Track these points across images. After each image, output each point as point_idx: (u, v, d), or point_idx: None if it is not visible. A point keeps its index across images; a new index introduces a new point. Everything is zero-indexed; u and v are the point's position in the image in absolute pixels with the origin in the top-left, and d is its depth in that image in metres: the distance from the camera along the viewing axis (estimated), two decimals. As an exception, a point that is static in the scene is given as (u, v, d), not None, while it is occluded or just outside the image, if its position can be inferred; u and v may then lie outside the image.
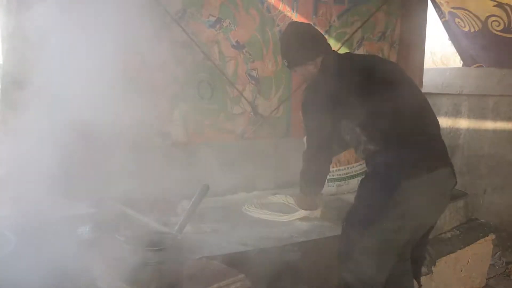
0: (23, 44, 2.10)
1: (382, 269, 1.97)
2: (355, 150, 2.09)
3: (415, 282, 2.26)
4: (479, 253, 2.98)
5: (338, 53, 2.29)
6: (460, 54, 4.31)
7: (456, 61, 4.77)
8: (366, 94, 1.98)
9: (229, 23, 2.84)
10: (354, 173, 3.01)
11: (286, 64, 2.25)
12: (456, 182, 2.07)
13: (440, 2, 3.84)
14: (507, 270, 3.58)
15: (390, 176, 1.90)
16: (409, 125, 1.97)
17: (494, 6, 3.54)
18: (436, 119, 2.11)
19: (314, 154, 2.14)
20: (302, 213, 2.43)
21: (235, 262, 1.79)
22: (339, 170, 3.00)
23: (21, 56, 2.21)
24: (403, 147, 1.93)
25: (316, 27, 2.36)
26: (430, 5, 3.77)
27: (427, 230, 2.14)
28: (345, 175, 3.01)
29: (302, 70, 2.20)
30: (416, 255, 2.18)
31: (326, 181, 2.86)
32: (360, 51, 3.42)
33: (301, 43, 2.17)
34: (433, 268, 2.65)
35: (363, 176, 2.09)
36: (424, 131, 2.00)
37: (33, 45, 2.02)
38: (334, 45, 3.29)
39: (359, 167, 3.02)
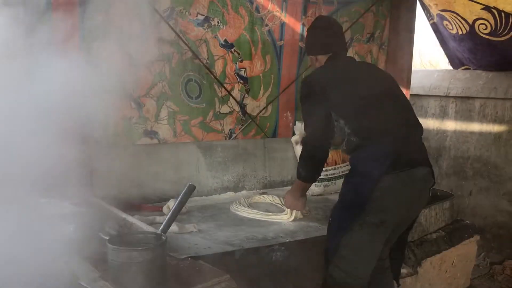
0: None
1: (367, 264, 2.00)
2: (340, 142, 2.11)
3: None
4: (464, 253, 3.00)
5: (342, 56, 2.34)
6: (447, 57, 4.35)
7: (444, 64, 4.82)
8: (354, 89, 2.08)
9: (218, 22, 2.83)
10: (341, 173, 3.02)
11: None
12: (435, 182, 2.13)
13: (429, 5, 3.88)
14: (491, 271, 3.63)
15: (371, 170, 1.94)
16: (392, 124, 2.04)
17: (481, 9, 3.58)
18: (421, 127, 2.17)
19: (312, 143, 2.17)
20: (288, 213, 2.43)
21: (221, 262, 1.79)
22: (326, 170, 3.01)
23: None
24: (385, 142, 1.98)
25: (337, 25, 2.41)
26: (418, 7, 3.80)
27: (405, 229, 2.17)
28: (332, 176, 3.02)
29: (310, 60, 2.41)
30: (395, 255, 2.23)
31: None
32: (349, 52, 3.44)
33: (313, 36, 2.34)
34: (418, 269, 2.66)
35: (347, 172, 2.13)
36: (406, 133, 2.06)
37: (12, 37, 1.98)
38: (323, 45, 3.30)
39: (346, 167, 3.03)
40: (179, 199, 1.73)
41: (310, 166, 2.22)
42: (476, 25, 3.70)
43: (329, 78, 2.15)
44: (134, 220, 1.98)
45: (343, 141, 2.08)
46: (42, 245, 1.81)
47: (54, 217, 2.19)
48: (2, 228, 1.81)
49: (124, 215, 2.04)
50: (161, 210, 2.42)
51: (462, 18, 3.74)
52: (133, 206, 2.38)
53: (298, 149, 3.14)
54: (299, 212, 2.45)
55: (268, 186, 3.06)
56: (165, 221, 1.67)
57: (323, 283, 2.07)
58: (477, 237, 3.08)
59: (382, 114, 2.04)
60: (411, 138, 2.07)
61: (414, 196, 2.04)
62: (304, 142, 2.24)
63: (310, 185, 2.37)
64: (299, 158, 2.28)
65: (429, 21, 4.12)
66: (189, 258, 1.77)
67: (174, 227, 1.97)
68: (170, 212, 1.71)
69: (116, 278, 1.48)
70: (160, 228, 1.66)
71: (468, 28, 3.76)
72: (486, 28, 3.68)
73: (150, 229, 1.86)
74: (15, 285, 1.54)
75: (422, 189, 2.07)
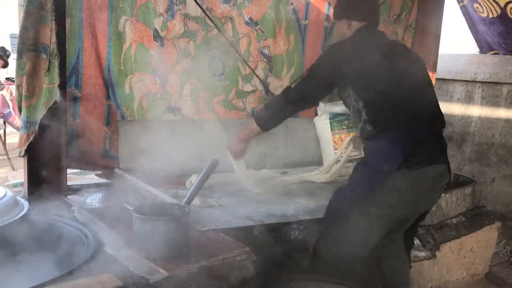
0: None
1: (355, 249, 1.97)
2: (356, 126, 2.09)
3: None
4: (484, 240, 2.98)
5: (376, 29, 2.22)
6: (476, 41, 4.25)
7: (471, 48, 4.70)
8: (382, 73, 1.96)
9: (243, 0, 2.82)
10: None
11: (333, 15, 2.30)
12: (451, 179, 2.09)
13: (459, -14, 3.78)
14: (511, 259, 3.59)
15: (383, 166, 1.90)
16: (413, 118, 1.95)
17: (514, -9, 3.48)
18: (443, 121, 2.10)
19: (295, 100, 2.16)
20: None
21: (241, 236, 1.82)
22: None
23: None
24: (401, 137, 1.92)
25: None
26: (448, -11, 3.70)
27: (414, 220, 2.15)
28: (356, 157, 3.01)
29: (338, 26, 2.24)
30: (405, 240, 2.22)
31: (341, 161, 2.83)
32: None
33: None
34: (436, 252, 2.66)
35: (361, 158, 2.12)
36: (426, 128, 1.98)
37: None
38: (349, 26, 3.25)
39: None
40: (202, 172, 1.76)
41: (277, 114, 2.20)
42: (508, 8, 3.59)
43: (359, 53, 2.01)
44: (158, 192, 2.03)
45: (357, 126, 2.05)
46: (70, 212, 1.88)
47: (82, 187, 2.27)
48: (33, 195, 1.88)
49: (148, 187, 2.08)
50: (184, 184, 2.47)
51: (493, 0, 3.63)
52: (156, 179, 2.42)
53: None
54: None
55: (288, 165, 3.07)
56: (188, 193, 1.71)
57: (313, 251, 2.07)
58: (498, 224, 3.06)
59: (404, 105, 1.94)
60: (430, 134, 1.99)
61: (424, 194, 1.99)
62: (288, 91, 2.20)
63: (260, 135, 2.35)
64: (269, 103, 2.29)
65: (458, 3, 4.02)
66: (210, 231, 1.81)
67: (196, 201, 2.01)
68: (194, 185, 1.75)
69: (141, 247, 1.52)
70: (184, 200, 1.70)
71: (499, 11, 3.66)
72: (518, 12, 3.58)
73: (174, 201, 1.91)
74: (42, 248, 1.61)
75: (434, 188, 2.01)
